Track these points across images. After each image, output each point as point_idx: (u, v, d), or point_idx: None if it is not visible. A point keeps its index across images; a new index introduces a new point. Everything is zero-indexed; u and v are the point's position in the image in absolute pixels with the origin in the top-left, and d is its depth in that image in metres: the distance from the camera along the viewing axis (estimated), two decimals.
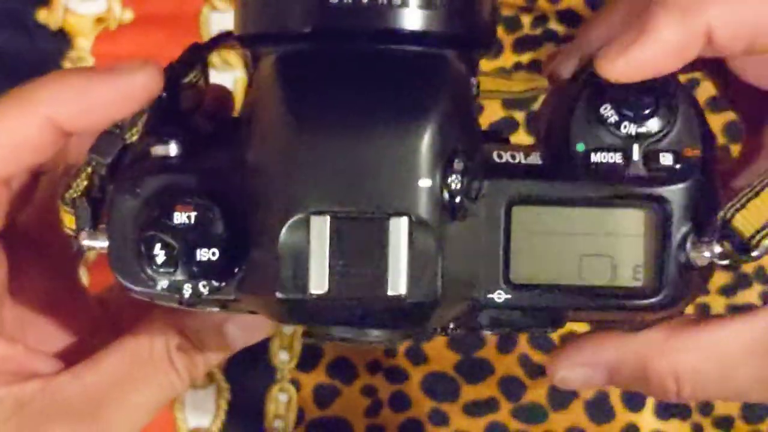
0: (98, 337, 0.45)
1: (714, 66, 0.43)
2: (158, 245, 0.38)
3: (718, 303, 0.66)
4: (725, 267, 0.63)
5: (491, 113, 0.67)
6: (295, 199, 0.36)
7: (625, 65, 0.38)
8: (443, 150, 0.36)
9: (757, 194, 0.38)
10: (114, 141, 0.40)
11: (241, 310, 0.40)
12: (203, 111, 0.42)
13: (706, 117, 0.39)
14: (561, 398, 0.66)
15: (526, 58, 0.68)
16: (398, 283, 0.36)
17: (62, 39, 0.69)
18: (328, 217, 0.36)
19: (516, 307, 0.39)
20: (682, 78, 0.40)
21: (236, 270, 0.38)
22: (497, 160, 0.39)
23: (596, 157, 0.39)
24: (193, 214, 0.38)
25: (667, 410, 0.66)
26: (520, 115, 0.67)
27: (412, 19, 0.37)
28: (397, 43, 0.38)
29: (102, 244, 0.39)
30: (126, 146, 0.40)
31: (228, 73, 0.68)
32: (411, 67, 0.37)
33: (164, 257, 0.38)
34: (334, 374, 0.67)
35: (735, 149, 0.62)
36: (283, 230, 0.36)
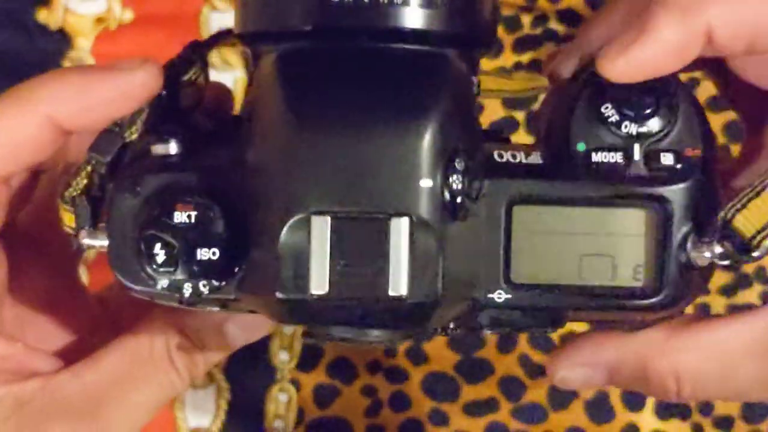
0: (98, 335, 0.45)
1: (714, 65, 0.43)
2: (158, 244, 0.38)
3: (718, 303, 0.66)
4: (725, 267, 0.63)
5: (491, 113, 0.67)
6: (295, 198, 0.36)
7: (626, 65, 0.38)
8: (444, 149, 0.36)
9: (757, 194, 0.38)
10: (114, 139, 0.40)
11: (241, 310, 0.40)
12: (203, 109, 0.42)
13: (706, 116, 0.39)
14: (561, 398, 0.66)
15: (526, 57, 0.68)
16: (399, 284, 0.36)
17: (62, 39, 0.69)
18: (328, 218, 0.36)
19: (516, 307, 0.39)
20: (683, 77, 0.40)
21: (236, 269, 0.38)
22: (498, 159, 0.39)
23: (597, 157, 0.39)
24: (193, 214, 0.38)
25: (667, 410, 0.66)
26: (520, 115, 0.67)
27: (413, 17, 0.37)
28: (398, 41, 0.37)
29: (102, 242, 0.39)
30: (126, 144, 0.40)
31: (228, 73, 0.68)
32: (412, 66, 0.37)
33: (164, 256, 0.38)
34: (334, 374, 0.67)
35: (735, 149, 0.62)
36: (284, 230, 0.36)
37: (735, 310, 0.65)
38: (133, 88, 0.40)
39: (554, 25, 0.68)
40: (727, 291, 0.66)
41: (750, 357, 0.40)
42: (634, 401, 0.66)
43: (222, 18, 0.69)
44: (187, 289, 0.38)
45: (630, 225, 0.39)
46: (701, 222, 0.38)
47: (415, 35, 0.37)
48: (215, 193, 0.38)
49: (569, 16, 0.68)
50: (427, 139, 0.36)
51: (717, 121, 0.63)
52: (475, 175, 0.37)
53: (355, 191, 0.36)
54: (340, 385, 0.67)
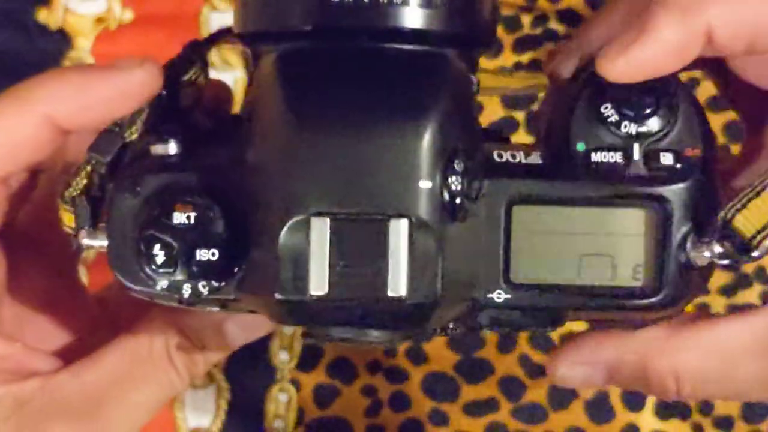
0: (97, 335, 0.45)
1: (714, 65, 0.43)
2: (158, 245, 0.38)
3: (718, 303, 0.66)
4: (725, 267, 0.63)
5: (491, 113, 0.67)
6: (295, 199, 0.36)
7: (626, 65, 0.38)
8: (443, 150, 0.36)
9: (757, 194, 0.38)
10: (113, 139, 0.40)
11: (241, 310, 0.40)
12: (203, 108, 0.42)
13: (706, 116, 0.39)
14: (561, 398, 0.66)
15: (526, 57, 0.68)
16: (398, 285, 0.36)
17: (62, 39, 0.69)
18: (328, 219, 0.36)
19: (516, 307, 0.39)
20: (683, 77, 0.40)
21: (236, 270, 0.38)
22: (497, 159, 0.39)
23: (596, 157, 0.39)
24: (192, 214, 0.38)
25: (667, 410, 0.66)
26: (520, 115, 0.67)
27: (413, 17, 0.37)
28: (398, 41, 0.37)
29: (101, 242, 0.39)
30: (125, 144, 0.40)
31: (228, 73, 0.68)
32: (411, 65, 0.37)
33: (164, 257, 0.38)
34: (334, 374, 0.67)
35: (735, 149, 0.62)
36: (283, 231, 0.36)
37: (735, 310, 0.65)
38: (132, 87, 0.40)
39: (554, 25, 0.68)
40: (727, 291, 0.66)
41: (750, 356, 0.40)
42: (634, 401, 0.66)
43: (222, 18, 0.69)
44: (187, 290, 0.38)
45: (629, 225, 0.39)
46: (701, 222, 0.38)
47: (415, 35, 0.37)
48: (215, 193, 0.38)
49: (569, 16, 0.68)
50: (426, 140, 0.36)
51: (717, 121, 0.63)
52: (474, 175, 0.37)
53: (355, 192, 0.36)
54: (340, 385, 0.67)
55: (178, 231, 0.37)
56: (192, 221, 0.38)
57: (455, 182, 0.36)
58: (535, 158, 0.39)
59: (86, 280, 0.65)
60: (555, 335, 0.64)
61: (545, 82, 0.44)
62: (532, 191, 0.39)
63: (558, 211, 0.39)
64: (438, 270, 0.36)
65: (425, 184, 0.36)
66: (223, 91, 0.46)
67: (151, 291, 0.38)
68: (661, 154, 0.39)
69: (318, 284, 0.36)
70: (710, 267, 0.39)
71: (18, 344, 0.43)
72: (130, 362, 0.43)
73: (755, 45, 0.38)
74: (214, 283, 0.38)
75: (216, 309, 0.40)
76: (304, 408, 0.67)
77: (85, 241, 0.39)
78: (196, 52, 0.42)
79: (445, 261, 0.37)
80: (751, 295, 0.66)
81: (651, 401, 0.66)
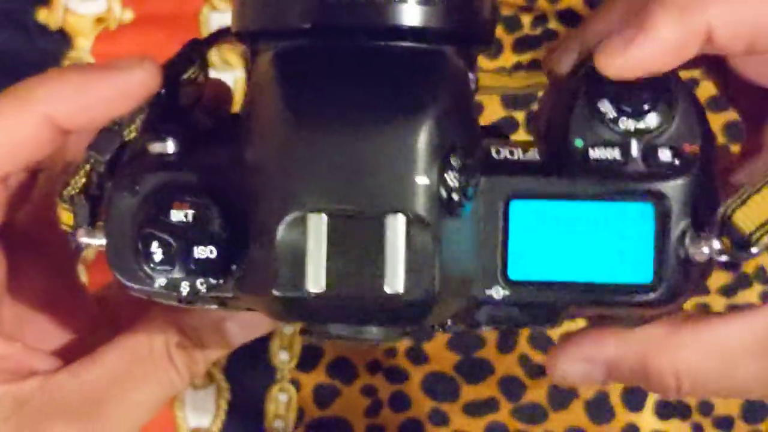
0: (97, 334, 0.45)
1: (714, 65, 0.43)
2: (156, 243, 0.38)
3: (718, 303, 0.66)
4: (725, 265, 0.63)
5: (491, 112, 0.67)
6: (292, 196, 0.36)
7: (624, 62, 0.38)
8: (441, 146, 0.36)
9: (757, 191, 0.38)
10: (112, 138, 0.40)
11: (240, 308, 0.40)
12: (202, 107, 0.42)
13: (705, 113, 0.39)
14: (561, 398, 0.66)
15: (526, 58, 0.68)
16: (396, 281, 0.36)
17: (62, 39, 0.69)
18: (325, 215, 0.36)
19: (514, 304, 0.39)
20: (683, 76, 0.40)
21: (234, 268, 0.38)
22: (495, 156, 0.39)
23: (595, 153, 0.39)
24: (190, 212, 0.38)
25: (667, 410, 0.66)
26: (520, 115, 0.67)
27: (411, 14, 0.37)
28: (396, 39, 0.37)
29: (100, 241, 0.39)
30: (124, 143, 0.40)
31: (228, 73, 0.68)
32: (409, 63, 0.37)
33: (162, 255, 0.38)
34: (334, 374, 0.67)
35: (735, 149, 0.62)
36: (280, 228, 0.36)
37: (735, 310, 0.65)
38: (131, 86, 0.40)
39: (554, 25, 0.68)
40: (727, 291, 0.66)
41: (750, 355, 0.40)
42: (634, 401, 0.66)
43: (222, 18, 0.69)
44: (185, 288, 0.38)
45: (628, 221, 0.39)
46: (699, 218, 0.38)
47: (413, 32, 0.37)
48: (213, 192, 0.38)
49: (569, 16, 0.68)
50: (423, 136, 0.36)
51: (717, 121, 0.63)
52: (472, 171, 0.37)
53: (352, 189, 0.36)
54: (340, 385, 0.67)
55: (177, 229, 0.38)
56: (190, 219, 0.38)
57: (452, 178, 0.36)
58: (534, 155, 0.39)
59: (86, 279, 0.65)
60: (555, 334, 0.64)
61: (545, 82, 0.44)
62: (531, 188, 0.38)
63: (556, 207, 0.39)
64: (435, 266, 0.36)
65: (422, 180, 0.36)
66: (222, 90, 0.46)
67: (149, 289, 0.38)
68: (660, 150, 0.38)
69: (315, 281, 0.36)
70: (709, 264, 0.39)
71: (18, 344, 0.43)
72: (130, 361, 0.43)
73: (755, 45, 0.38)
74: (213, 281, 0.38)
75: (215, 307, 0.40)
76: (304, 408, 0.67)
77: (84, 240, 0.39)
78: (196, 51, 0.42)
79: (443, 257, 0.36)
80: (751, 295, 0.66)
81: (651, 401, 0.66)
